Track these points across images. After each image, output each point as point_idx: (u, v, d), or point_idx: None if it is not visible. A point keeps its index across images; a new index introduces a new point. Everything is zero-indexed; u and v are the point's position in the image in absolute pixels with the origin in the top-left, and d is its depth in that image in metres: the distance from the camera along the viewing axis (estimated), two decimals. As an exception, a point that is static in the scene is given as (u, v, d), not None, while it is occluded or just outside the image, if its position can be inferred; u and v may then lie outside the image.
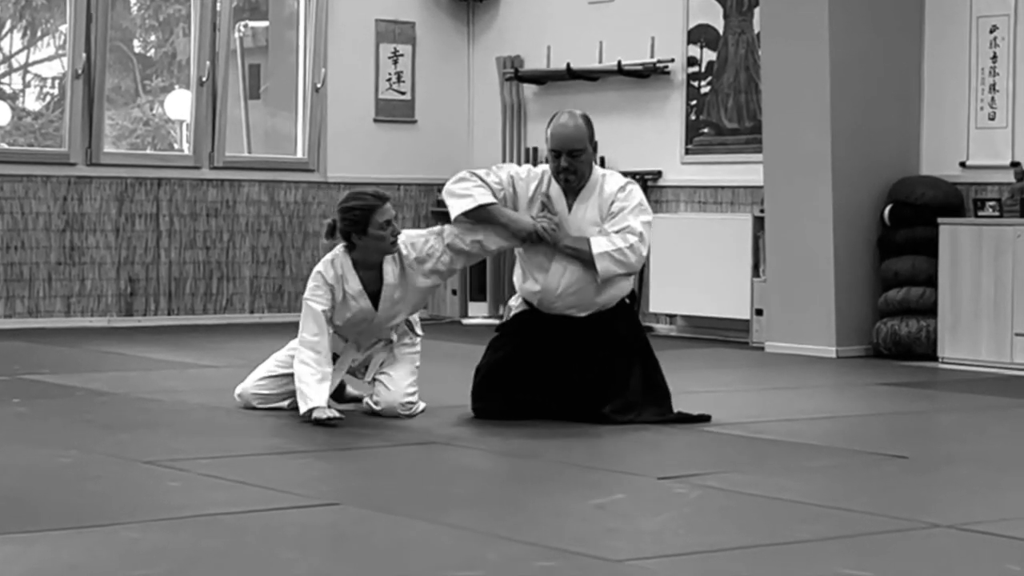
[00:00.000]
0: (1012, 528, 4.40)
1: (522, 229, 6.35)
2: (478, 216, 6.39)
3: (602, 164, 11.25)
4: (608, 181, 6.44)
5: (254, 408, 6.47)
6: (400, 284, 6.39)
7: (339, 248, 6.41)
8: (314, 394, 6.14)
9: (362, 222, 6.28)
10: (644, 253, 6.35)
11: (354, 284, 6.33)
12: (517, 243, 6.42)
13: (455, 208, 6.41)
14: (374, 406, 6.44)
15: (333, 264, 6.36)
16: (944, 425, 6.97)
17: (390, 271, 6.38)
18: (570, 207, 6.42)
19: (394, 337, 6.50)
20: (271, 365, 6.54)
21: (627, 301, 6.57)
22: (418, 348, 6.58)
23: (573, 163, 6.37)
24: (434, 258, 6.43)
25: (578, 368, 6.37)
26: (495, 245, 6.44)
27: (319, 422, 6.09)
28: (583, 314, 6.42)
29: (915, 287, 9.36)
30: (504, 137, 11.87)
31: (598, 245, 6.28)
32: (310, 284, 6.37)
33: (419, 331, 6.60)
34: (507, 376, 6.41)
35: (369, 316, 6.37)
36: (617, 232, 6.31)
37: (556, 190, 6.43)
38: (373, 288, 6.36)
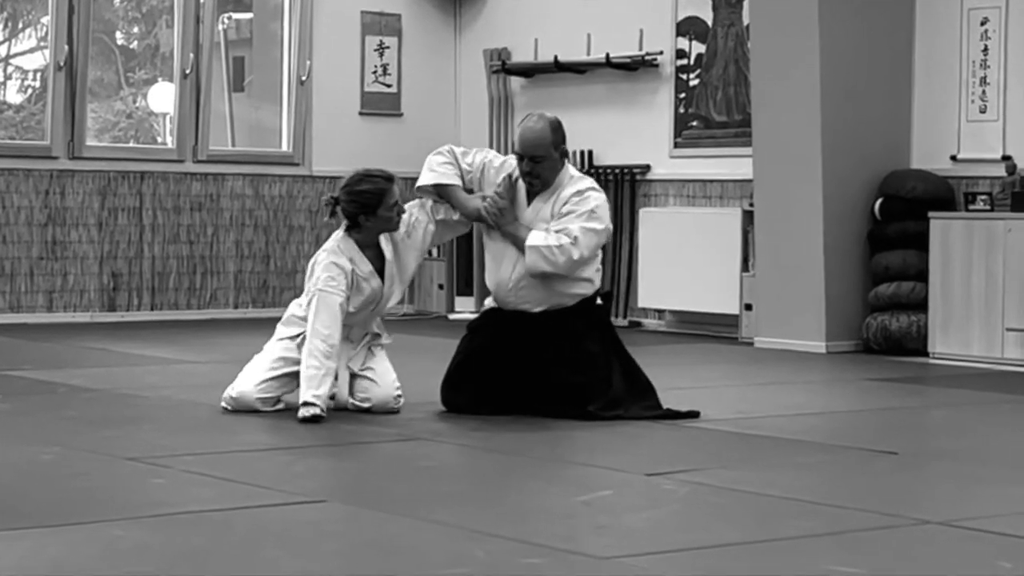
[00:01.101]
0: (1003, 524, 4.42)
1: (470, 211, 6.53)
2: (438, 192, 6.61)
3: (590, 158, 11.28)
4: (571, 184, 6.48)
5: (256, 411, 6.42)
6: (395, 259, 6.51)
7: (340, 232, 6.44)
8: (314, 389, 6.15)
9: (373, 204, 6.36)
10: (576, 258, 6.35)
11: (364, 266, 6.41)
12: (465, 225, 6.68)
13: (422, 179, 6.66)
14: (361, 404, 6.44)
15: (341, 250, 6.38)
16: (935, 421, 6.98)
17: (387, 247, 6.50)
18: (529, 201, 6.50)
19: (377, 330, 6.55)
20: (267, 366, 6.47)
21: (599, 301, 6.61)
22: (388, 343, 6.66)
23: (535, 168, 6.45)
24: (420, 230, 6.57)
25: (555, 368, 6.41)
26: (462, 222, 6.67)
27: (304, 419, 6.09)
28: (536, 309, 6.48)
29: (906, 282, 9.38)
30: (491, 130, 11.87)
31: (533, 238, 6.38)
32: (323, 275, 6.32)
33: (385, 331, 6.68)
34: (473, 372, 6.51)
35: (379, 295, 6.46)
36: (556, 231, 6.37)
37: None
38: (377, 266, 6.45)
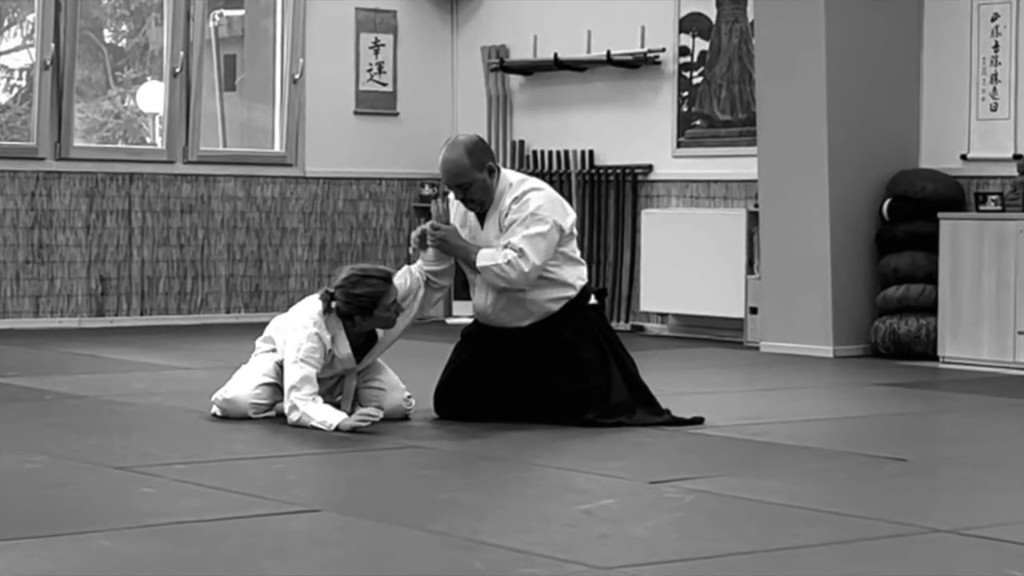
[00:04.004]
0: (1014, 533, 4.42)
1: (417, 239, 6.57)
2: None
3: (591, 158, 11.29)
4: (510, 192, 6.49)
5: (248, 417, 6.43)
6: (384, 335, 6.54)
7: (333, 313, 6.39)
8: (330, 416, 6.16)
9: (369, 308, 6.32)
10: (527, 269, 6.36)
11: (343, 348, 6.39)
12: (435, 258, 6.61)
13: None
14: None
15: (328, 327, 6.35)
16: (944, 427, 6.99)
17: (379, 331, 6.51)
18: (482, 224, 6.55)
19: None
20: (263, 371, 6.48)
21: (593, 300, 6.61)
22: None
23: (466, 194, 6.49)
24: (414, 302, 6.57)
25: (549, 377, 6.44)
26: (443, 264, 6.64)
27: (356, 430, 6.08)
28: (524, 324, 6.52)
29: (915, 284, 9.38)
30: (489, 130, 11.87)
31: (482, 258, 6.41)
32: (305, 344, 6.28)
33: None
34: (464, 383, 6.55)
35: (350, 368, 6.47)
36: (504, 246, 6.40)
37: None
38: (358, 343, 6.44)
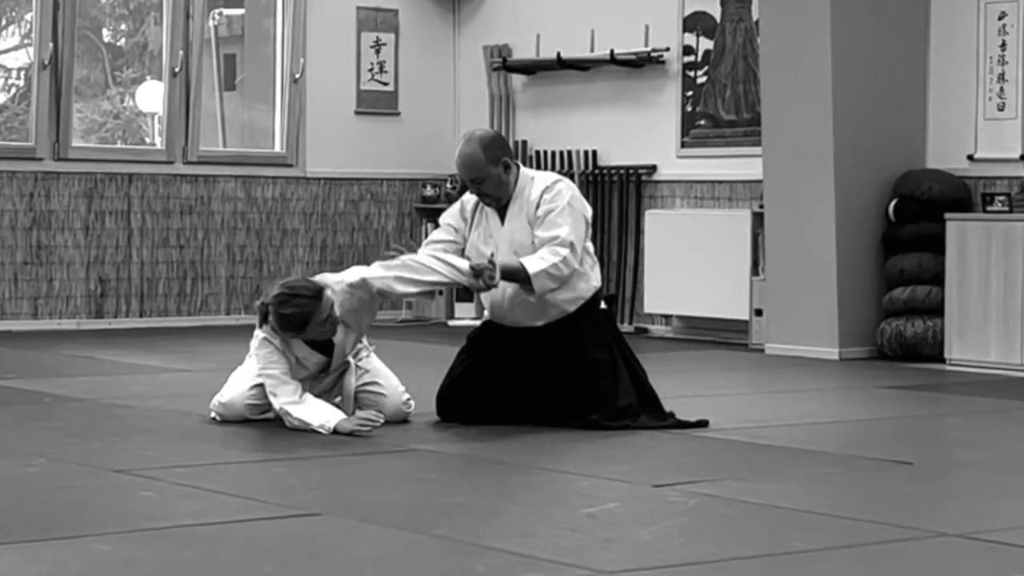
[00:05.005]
0: (1022, 537, 4.42)
1: (463, 276, 6.37)
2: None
3: (594, 158, 11.29)
4: (535, 185, 6.52)
5: (245, 419, 6.43)
6: (345, 333, 6.45)
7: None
8: (328, 415, 6.15)
9: (301, 326, 6.26)
10: (577, 262, 6.41)
11: (302, 351, 6.36)
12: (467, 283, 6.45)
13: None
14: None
15: (276, 336, 6.31)
16: (951, 430, 6.99)
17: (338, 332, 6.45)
18: (503, 220, 6.54)
19: (351, 359, 6.55)
20: (252, 374, 6.48)
21: (604, 305, 6.63)
22: (374, 350, 6.69)
23: (481, 189, 6.51)
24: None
25: (558, 376, 6.44)
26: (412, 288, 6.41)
27: (355, 434, 6.07)
28: (540, 323, 6.51)
29: (921, 285, 9.38)
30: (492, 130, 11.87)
31: (532, 264, 6.35)
32: (260, 352, 6.28)
33: (365, 341, 6.68)
34: (467, 388, 6.54)
35: (325, 366, 6.45)
36: (548, 240, 6.39)
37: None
38: (320, 344, 6.40)
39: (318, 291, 6.26)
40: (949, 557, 4.25)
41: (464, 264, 6.33)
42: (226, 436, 6.16)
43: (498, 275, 6.23)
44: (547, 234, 6.40)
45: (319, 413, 6.19)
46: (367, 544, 4.30)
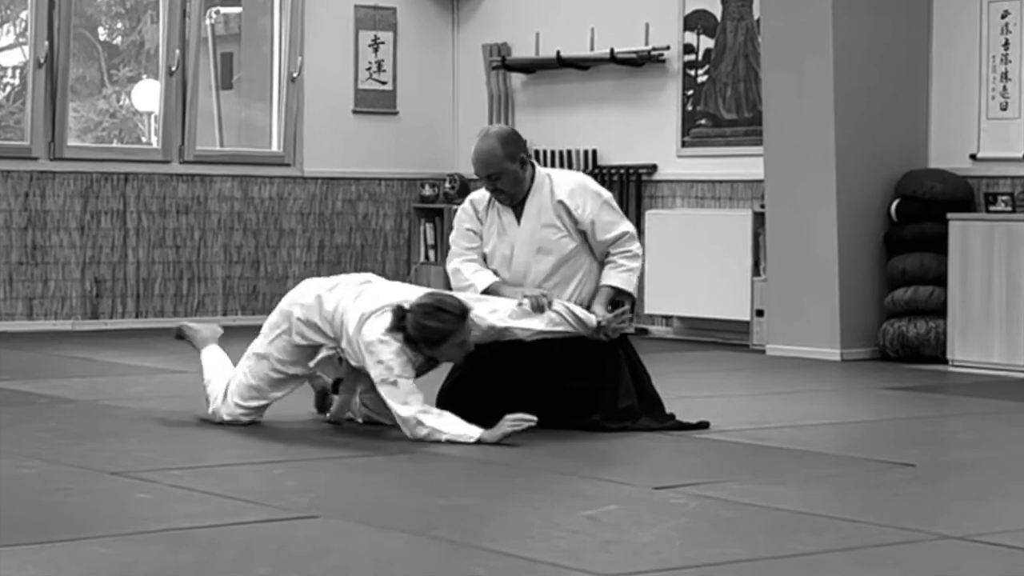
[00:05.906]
0: (1025, 539, 4.43)
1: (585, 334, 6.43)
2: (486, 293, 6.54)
3: (594, 157, 11.29)
4: (556, 184, 6.56)
5: (241, 423, 6.40)
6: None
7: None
8: (465, 426, 6.05)
9: (438, 342, 6.13)
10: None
11: (416, 358, 6.21)
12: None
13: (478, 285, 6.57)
14: (380, 418, 6.42)
15: (406, 350, 6.13)
16: (954, 431, 6.99)
17: None
18: (518, 218, 6.57)
19: None
20: (241, 374, 6.44)
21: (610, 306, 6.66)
22: None
23: (496, 184, 6.53)
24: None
25: (561, 377, 6.45)
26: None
27: (508, 435, 5.99)
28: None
29: (923, 286, 9.39)
30: (490, 129, 11.87)
31: (621, 280, 6.53)
32: (395, 360, 6.05)
33: None
34: (470, 390, 6.53)
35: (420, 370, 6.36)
36: (615, 240, 6.54)
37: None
38: (417, 362, 6.28)
39: (464, 312, 6.14)
40: (951, 560, 4.25)
41: (592, 319, 6.39)
42: (222, 438, 6.16)
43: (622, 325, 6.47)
44: (611, 235, 6.54)
45: (456, 425, 6.07)
46: (365, 546, 4.31)
